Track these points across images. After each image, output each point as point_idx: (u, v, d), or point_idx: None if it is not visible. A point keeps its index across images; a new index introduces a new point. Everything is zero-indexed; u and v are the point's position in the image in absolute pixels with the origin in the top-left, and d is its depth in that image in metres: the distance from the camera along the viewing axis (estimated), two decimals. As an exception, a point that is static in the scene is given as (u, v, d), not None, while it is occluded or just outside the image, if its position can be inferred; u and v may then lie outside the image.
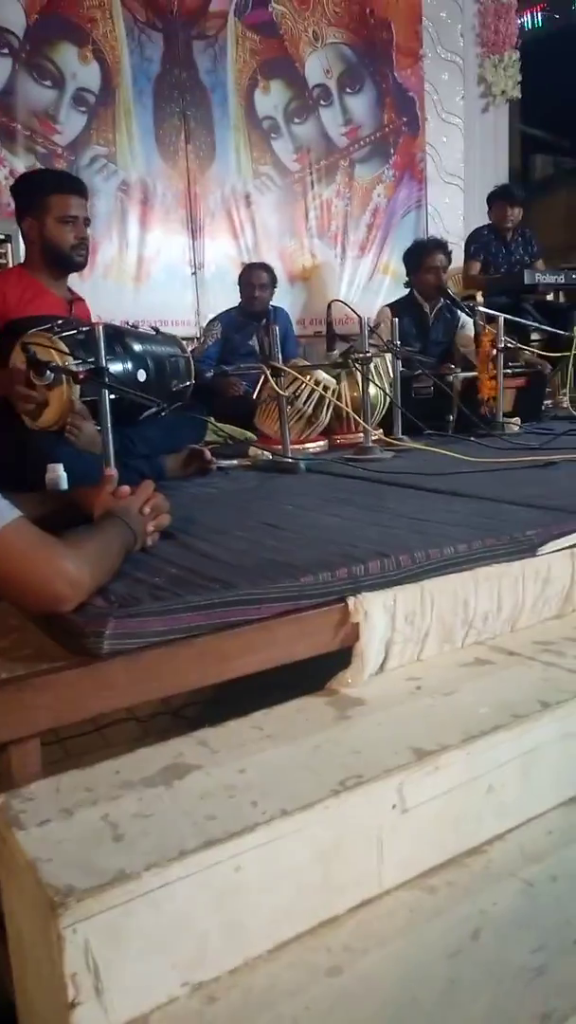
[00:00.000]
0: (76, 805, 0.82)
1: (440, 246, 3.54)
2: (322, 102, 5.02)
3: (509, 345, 2.73)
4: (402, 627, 1.11)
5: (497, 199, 4.42)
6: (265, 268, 3.96)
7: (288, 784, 0.84)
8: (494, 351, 2.69)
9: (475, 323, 2.94)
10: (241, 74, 4.68)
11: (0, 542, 0.89)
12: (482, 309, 2.87)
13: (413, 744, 0.91)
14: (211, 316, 4.12)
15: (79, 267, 2.27)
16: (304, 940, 0.80)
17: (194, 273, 4.57)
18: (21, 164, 3.90)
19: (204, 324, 4.23)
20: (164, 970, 0.73)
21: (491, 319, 2.76)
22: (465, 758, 0.91)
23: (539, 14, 6.76)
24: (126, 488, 1.26)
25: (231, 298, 4.06)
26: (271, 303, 3.97)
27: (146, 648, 0.94)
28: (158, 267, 4.45)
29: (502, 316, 2.73)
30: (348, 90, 5.12)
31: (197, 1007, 0.73)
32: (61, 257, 2.18)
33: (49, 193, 2.13)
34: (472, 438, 2.53)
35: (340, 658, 1.09)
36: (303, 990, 0.74)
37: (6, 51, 3.85)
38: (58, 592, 0.92)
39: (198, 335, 4.19)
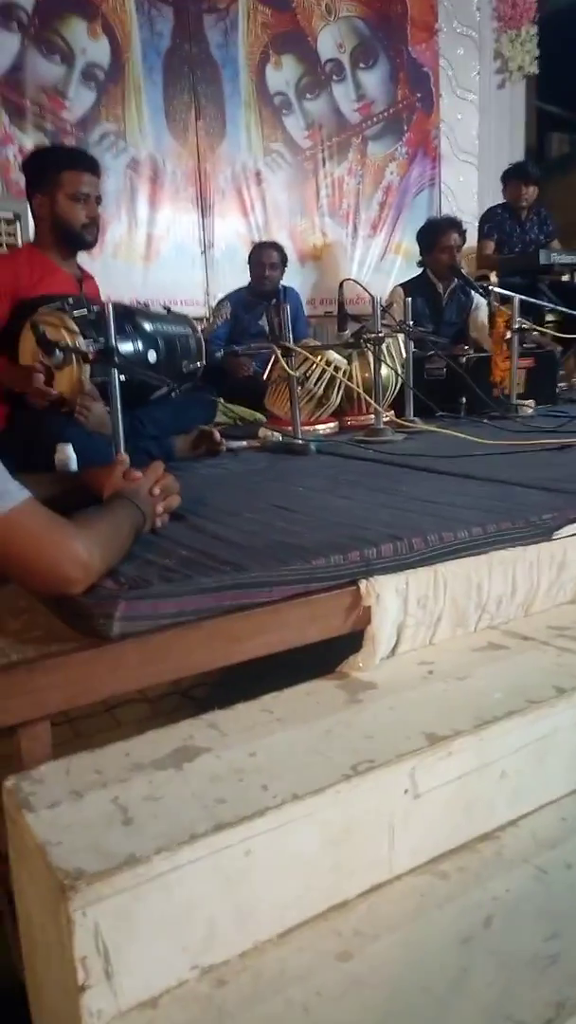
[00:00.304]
0: (86, 788, 0.81)
1: (454, 225, 3.49)
2: (334, 77, 4.94)
3: (524, 326, 2.69)
4: (414, 611, 1.10)
5: (512, 177, 4.35)
6: (275, 247, 3.92)
7: (299, 768, 0.83)
8: (508, 332, 2.65)
9: (489, 303, 2.89)
10: (252, 49, 4.60)
11: (9, 523, 0.88)
12: (496, 290, 2.83)
13: (426, 729, 0.90)
14: (220, 296, 4.09)
15: (89, 246, 2.25)
16: (314, 924, 0.80)
17: (204, 252, 4.52)
18: (29, 141, 3.85)
19: (213, 304, 4.19)
20: (174, 953, 0.72)
21: (505, 299, 2.72)
22: (478, 744, 0.90)
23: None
24: (136, 470, 1.25)
25: (241, 277, 4.02)
26: (281, 283, 3.93)
27: (156, 630, 0.93)
28: (168, 246, 4.41)
29: (516, 297, 2.69)
30: (361, 65, 5.03)
31: (207, 991, 0.73)
32: (71, 235, 2.16)
33: (61, 169, 2.11)
34: (485, 420, 2.50)
35: (351, 641, 1.08)
36: (313, 975, 0.74)
37: (15, 26, 3.79)
38: (68, 574, 0.91)
39: (207, 315, 4.16)
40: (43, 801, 0.79)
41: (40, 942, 0.77)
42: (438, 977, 0.74)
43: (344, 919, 0.80)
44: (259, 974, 0.74)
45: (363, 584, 1.06)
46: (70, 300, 1.89)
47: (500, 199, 4.52)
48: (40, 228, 2.17)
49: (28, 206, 2.23)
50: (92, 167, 2.18)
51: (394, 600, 1.07)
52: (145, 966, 0.70)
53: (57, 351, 1.71)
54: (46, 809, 0.78)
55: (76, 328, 1.76)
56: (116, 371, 1.65)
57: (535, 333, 3.22)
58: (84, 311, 1.82)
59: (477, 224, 4.44)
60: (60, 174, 2.10)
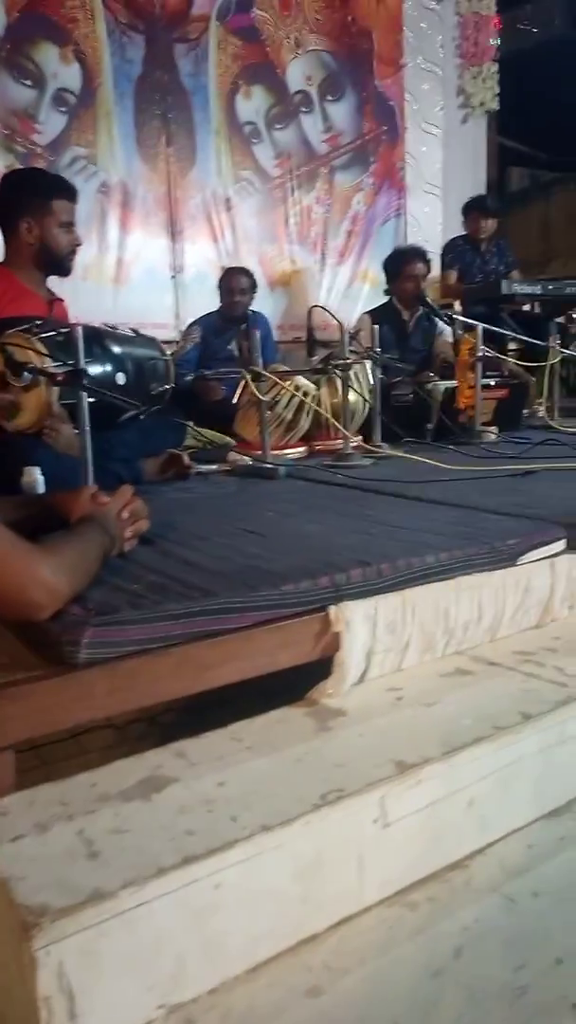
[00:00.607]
0: (51, 820, 0.80)
1: (419, 254, 3.56)
2: (303, 108, 5.03)
3: (488, 354, 2.74)
4: (383, 636, 1.10)
5: (472, 210, 4.47)
6: (245, 272, 3.95)
7: (268, 798, 0.83)
8: (472, 360, 2.70)
9: (454, 331, 2.95)
10: (223, 78, 4.67)
11: None
12: (460, 318, 2.88)
13: (395, 757, 0.90)
14: (190, 320, 4.10)
15: (68, 272, 2.26)
16: (284, 959, 0.78)
17: (174, 276, 4.54)
18: (0, 163, 3.84)
19: (183, 327, 4.20)
20: (140, 992, 0.70)
21: (469, 328, 2.77)
22: (447, 771, 0.90)
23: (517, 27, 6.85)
24: (104, 494, 1.24)
25: (211, 302, 4.04)
26: (250, 308, 3.96)
27: (124, 657, 0.92)
28: (138, 270, 4.42)
29: (480, 325, 2.74)
30: (329, 97, 5.13)
31: (174, 1030, 0.71)
32: (56, 262, 2.18)
33: (52, 197, 2.12)
34: (451, 446, 2.54)
35: (319, 666, 1.08)
36: (283, 1012, 0.73)
37: (-15, 49, 3.80)
38: (34, 599, 0.90)
39: (177, 338, 4.16)
40: (6, 834, 0.77)
41: (2, 980, 0.75)
42: (408, 1011, 0.73)
43: (314, 953, 0.79)
44: (228, 1012, 0.73)
45: (332, 610, 1.06)
46: (38, 322, 1.88)
47: (463, 230, 4.62)
48: (20, 251, 2.15)
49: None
50: (75, 196, 2.21)
51: (363, 626, 1.07)
52: (111, 1006, 0.69)
53: (25, 372, 1.69)
54: (9, 843, 0.76)
55: (44, 350, 1.75)
56: (85, 393, 1.64)
57: (512, 364, 3.29)
58: (52, 333, 1.81)
59: (440, 255, 4.54)
60: (51, 202, 2.11)
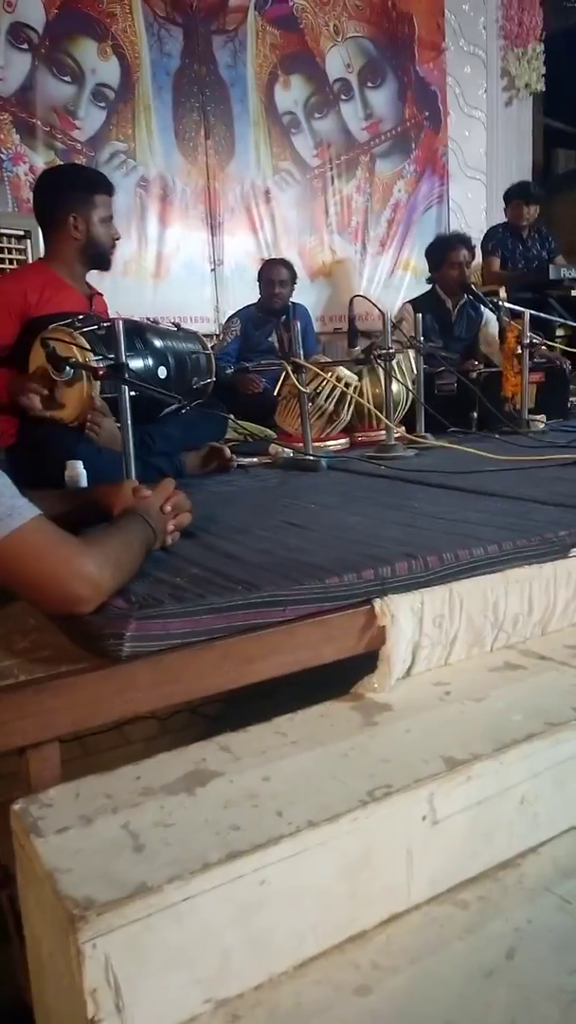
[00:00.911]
0: (96, 812, 0.79)
1: (463, 241, 3.49)
2: (342, 97, 4.98)
3: (535, 341, 2.67)
4: (430, 630, 1.08)
5: (513, 197, 4.39)
6: (285, 264, 3.93)
7: (314, 793, 0.81)
8: (519, 347, 2.64)
9: (499, 319, 2.88)
10: (261, 69, 4.64)
11: (18, 541, 0.87)
12: (507, 305, 2.82)
13: (444, 753, 0.88)
14: (230, 313, 4.10)
15: (110, 266, 2.30)
16: (331, 956, 0.77)
17: (213, 269, 4.54)
18: (40, 160, 3.89)
19: (223, 321, 4.20)
20: (186, 986, 0.70)
21: (516, 315, 2.71)
22: (498, 768, 0.88)
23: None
24: (146, 487, 1.24)
25: (250, 294, 4.03)
26: (291, 299, 3.94)
27: (167, 651, 0.91)
28: (177, 263, 4.43)
29: (527, 312, 2.68)
30: (369, 84, 5.07)
31: (220, 1025, 0.70)
32: (101, 255, 2.21)
33: (96, 192, 2.16)
34: (497, 435, 2.49)
35: (364, 659, 1.06)
36: (331, 1009, 0.71)
37: (25, 46, 3.84)
38: (78, 592, 0.90)
39: (217, 332, 4.17)
40: (52, 826, 0.77)
41: (49, 969, 0.75)
42: (459, 1012, 0.71)
43: (362, 951, 0.78)
44: (275, 1009, 0.72)
45: (378, 603, 1.04)
46: (80, 317, 1.89)
47: (505, 217, 4.54)
48: (63, 246, 2.17)
49: (41, 223, 2.23)
50: (113, 190, 2.26)
51: (409, 619, 1.05)
52: (157, 1000, 0.68)
53: (67, 367, 1.70)
54: (55, 834, 0.76)
55: (86, 344, 1.76)
56: (126, 387, 1.64)
57: (544, 348, 3.21)
58: (94, 327, 1.82)
59: (480, 243, 4.46)
60: (95, 196, 2.16)
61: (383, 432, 2.45)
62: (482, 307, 3.35)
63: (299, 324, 2.41)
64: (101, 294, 2.38)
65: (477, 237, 4.37)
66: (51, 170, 2.45)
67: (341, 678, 1.07)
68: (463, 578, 1.13)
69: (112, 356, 1.68)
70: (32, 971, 0.82)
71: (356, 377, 2.59)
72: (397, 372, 2.48)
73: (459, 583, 1.12)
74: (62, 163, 3.79)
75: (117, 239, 2.25)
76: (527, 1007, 0.72)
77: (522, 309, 2.69)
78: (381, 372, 2.39)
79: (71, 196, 2.15)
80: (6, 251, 3.21)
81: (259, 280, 3.92)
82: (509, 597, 1.15)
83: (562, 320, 3.12)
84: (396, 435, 2.42)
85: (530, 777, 0.90)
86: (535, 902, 0.84)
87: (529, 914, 0.82)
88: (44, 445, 1.82)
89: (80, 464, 1.65)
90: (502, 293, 3.87)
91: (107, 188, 2.21)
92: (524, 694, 1.03)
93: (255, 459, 2.35)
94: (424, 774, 0.84)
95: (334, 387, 2.47)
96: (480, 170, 5.58)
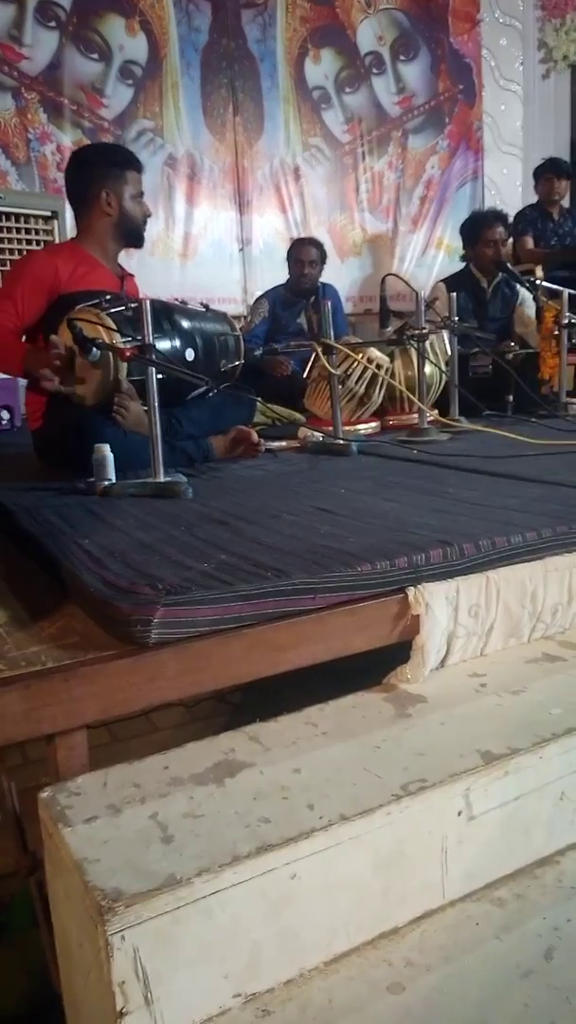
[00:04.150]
0: (124, 802, 0.78)
1: (500, 218, 3.41)
2: (374, 70, 4.87)
3: (574, 321, 2.60)
4: (465, 620, 1.05)
5: (545, 172, 4.29)
6: (314, 243, 3.87)
7: (346, 786, 0.79)
8: (557, 328, 2.57)
9: (536, 298, 2.81)
10: (291, 43, 4.56)
11: None
12: (544, 284, 2.74)
13: (480, 746, 0.85)
14: (258, 293, 4.05)
15: (142, 243, 2.30)
16: (363, 952, 0.75)
17: (241, 249, 4.50)
18: (68, 139, 3.87)
19: (251, 301, 4.16)
20: (216, 980, 0.69)
21: (554, 294, 2.63)
22: (537, 763, 0.85)
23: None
24: None
25: (279, 275, 3.98)
26: (320, 279, 3.88)
27: (195, 638, 0.89)
28: (205, 243, 4.39)
29: (566, 291, 2.60)
30: (402, 57, 4.96)
31: (251, 1020, 0.69)
32: (135, 232, 2.21)
33: (128, 168, 2.16)
34: (534, 419, 2.43)
35: (396, 648, 1.04)
36: (363, 1007, 0.70)
37: (53, 24, 3.81)
38: None
39: (245, 313, 4.13)
40: (80, 815, 0.77)
41: (77, 959, 0.75)
42: (496, 1013, 0.69)
43: (395, 947, 0.76)
44: (306, 1004, 0.70)
45: (411, 592, 1.01)
46: (108, 297, 1.87)
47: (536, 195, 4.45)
48: (96, 223, 2.16)
49: (73, 201, 2.22)
50: (142, 168, 2.26)
51: (444, 609, 1.02)
52: (186, 993, 0.67)
53: (94, 348, 1.68)
54: (83, 824, 0.75)
55: (113, 325, 1.74)
56: (153, 369, 1.62)
57: None
58: (121, 308, 1.80)
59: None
60: (126, 172, 2.15)
61: (415, 415, 2.41)
62: (517, 286, 3.26)
63: (329, 304, 2.36)
64: (133, 275, 2.35)
65: (512, 214, 4.27)
66: (82, 148, 2.44)
67: (373, 667, 1.04)
68: (500, 566, 1.10)
69: (139, 337, 1.66)
70: (60, 960, 0.81)
71: (388, 358, 2.54)
72: (430, 353, 2.43)
73: (496, 571, 1.09)
74: (90, 142, 3.77)
75: (149, 215, 2.24)
76: (568, 1010, 0.69)
77: (561, 288, 2.62)
78: (414, 353, 2.34)
79: (103, 172, 2.13)
80: (33, 232, 3.20)
81: (288, 260, 3.86)
82: (548, 586, 1.12)
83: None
84: (429, 418, 2.37)
85: (570, 772, 0.88)
86: (574, 901, 0.81)
87: (569, 913, 0.80)
88: (71, 428, 1.81)
89: (107, 447, 1.64)
90: (538, 272, 3.77)
91: (137, 165, 2.21)
92: (563, 687, 1.00)
93: (284, 443, 2.32)
94: (460, 768, 0.81)
95: (365, 369, 2.42)
96: (516, 145, 5.44)
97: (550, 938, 0.77)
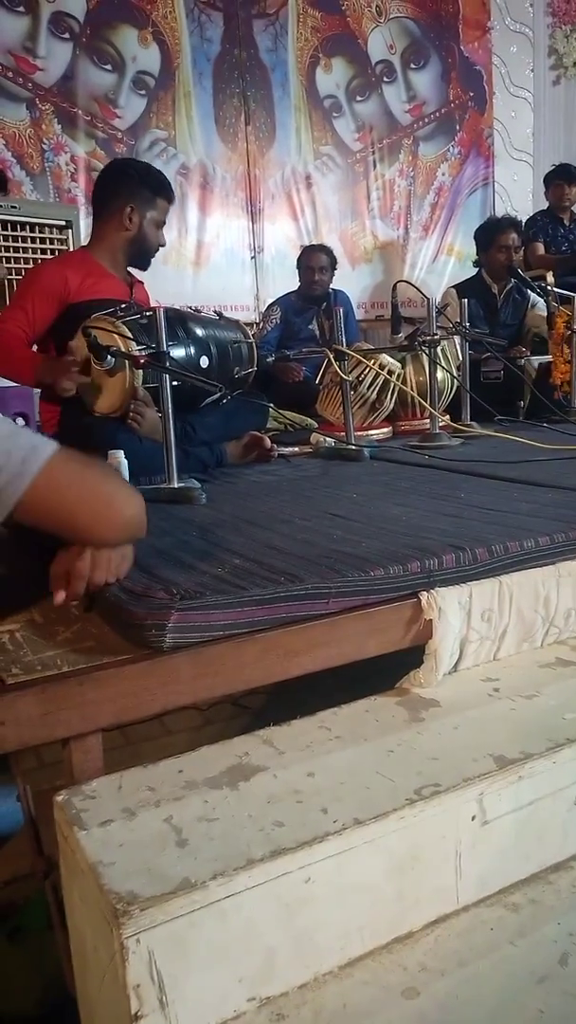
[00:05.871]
0: (138, 805, 0.79)
1: (514, 224, 3.41)
2: (385, 79, 4.89)
3: (585, 326, 2.60)
4: (478, 624, 1.05)
5: (555, 178, 4.29)
6: (325, 250, 3.88)
7: (360, 790, 0.79)
8: (568, 333, 2.57)
9: (547, 304, 2.81)
10: (302, 52, 4.59)
11: (51, 471, 0.84)
12: (556, 290, 2.74)
13: (494, 751, 0.85)
14: (270, 300, 4.07)
15: (147, 268, 2.32)
16: (377, 957, 0.75)
17: (253, 257, 4.52)
18: (81, 149, 3.91)
19: (263, 308, 4.18)
20: (230, 984, 0.69)
21: (565, 300, 2.63)
22: (551, 768, 0.85)
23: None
24: None
25: (291, 282, 4.00)
26: (331, 286, 3.89)
27: (209, 643, 0.90)
28: (217, 251, 4.42)
29: (577, 296, 2.60)
30: (412, 65, 4.98)
31: (265, 1024, 0.69)
32: (144, 254, 2.23)
33: (159, 194, 2.18)
34: (545, 424, 2.42)
35: (409, 652, 1.04)
36: (377, 1012, 0.70)
37: (67, 35, 3.85)
38: (125, 506, 0.91)
39: (257, 320, 4.15)
40: (95, 818, 0.77)
41: (92, 962, 0.75)
42: (512, 1019, 0.69)
43: (409, 952, 0.76)
44: (320, 1009, 0.70)
45: (424, 596, 1.02)
46: (123, 305, 1.89)
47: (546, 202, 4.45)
48: (111, 234, 2.17)
49: (96, 207, 2.22)
50: (174, 201, 2.29)
51: (457, 613, 1.02)
52: (201, 996, 0.67)
53: (109, 356, 1.70)
54: (98, 827, 0.76)
55: (128, 333, 1.75)
56: (168, 376, 1.63)
57: None
58: (136, 316, 1.81)
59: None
60: (157, 198, 2.17)
61: (427, 421, 2.41)
62: (529, 291, 3.26)
63: (341, 310, 2.37)
64: (142, 282, 2.37)
65: (523, 220, 4.28)
66: (124, 159, 2.47)
67: (386, 671, 1.05)
68: (513, 571, 1.10)
69: (154, 345, 1.67)
70: (75, 963, 0.82)
71: (399, 364, 2.54)
72: (442, 359, 2.43)
73: (509, 576, 1.09)
74: (103, 153, 3.80)
75: (162, 245, 2.27)
76: (582, 1017, 0.69)
77: (571, 294, 2.62)
78: (425, 359, 2.34)
79: (135, 189, 2.15)
80: (48, 241, 3.23)
81: (299, 267, 3.88)
82: (561, 591, 1.11)
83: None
84: (441, 424, 2.37)
85: (584, 778, 0.87)
86: (589, 907, 0.81)
87: (583, 919, 0.79)
88: (86, 435, 1.83)
89: (121, 453, 1.65)
90: (549, 277, 3.77)
91: (170, 195, 2.23)
92: (577, 691, 1.00)
93: (296, 448, 2.33)
94: (473, 773, 0.81)
95: (377, 375, 2.43)
96: (527, 152, 5.44)
97: (565, 944, 0.76)
